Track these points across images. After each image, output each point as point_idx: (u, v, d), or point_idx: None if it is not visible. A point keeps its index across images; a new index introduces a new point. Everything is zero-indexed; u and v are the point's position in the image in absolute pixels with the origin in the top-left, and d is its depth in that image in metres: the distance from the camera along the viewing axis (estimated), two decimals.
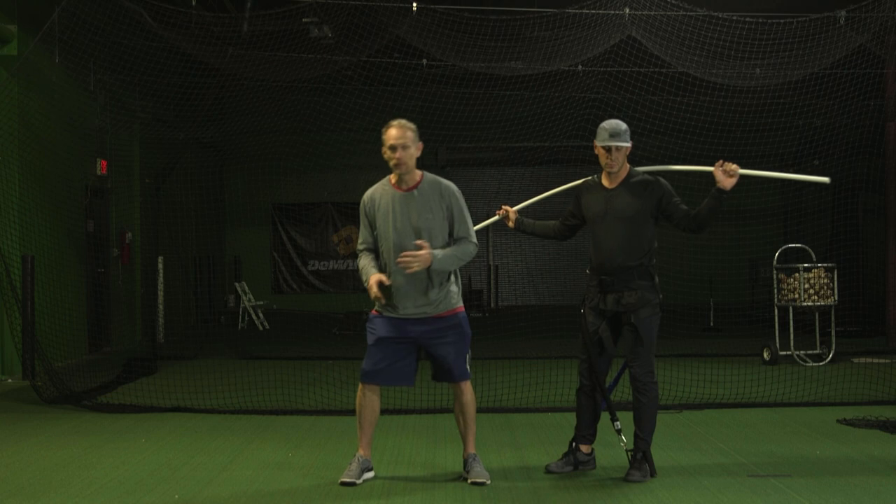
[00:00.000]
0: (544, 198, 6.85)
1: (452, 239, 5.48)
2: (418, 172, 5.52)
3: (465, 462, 5.58)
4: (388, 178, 5.58)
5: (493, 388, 8.66)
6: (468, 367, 5.55)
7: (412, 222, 5.40)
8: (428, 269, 5.33)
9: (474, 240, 5.51)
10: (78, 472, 5.84)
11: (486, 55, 10.78)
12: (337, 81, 12.73)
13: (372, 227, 5.54)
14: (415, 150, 5.44)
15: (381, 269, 5.47)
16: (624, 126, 5.64)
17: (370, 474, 5.62)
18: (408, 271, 5.29)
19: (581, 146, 12.04)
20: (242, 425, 7.45)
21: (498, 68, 11.19)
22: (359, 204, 5.67)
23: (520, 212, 6.26)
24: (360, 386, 5.58)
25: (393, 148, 5.40)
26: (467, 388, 5.55)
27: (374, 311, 5.57)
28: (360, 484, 5.49)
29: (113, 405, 8.30)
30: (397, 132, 5.42)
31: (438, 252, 5.34)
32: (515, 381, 8.92)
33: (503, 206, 6.23)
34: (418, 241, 5.32)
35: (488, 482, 5.44)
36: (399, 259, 5.29)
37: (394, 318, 5.48)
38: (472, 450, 5.59)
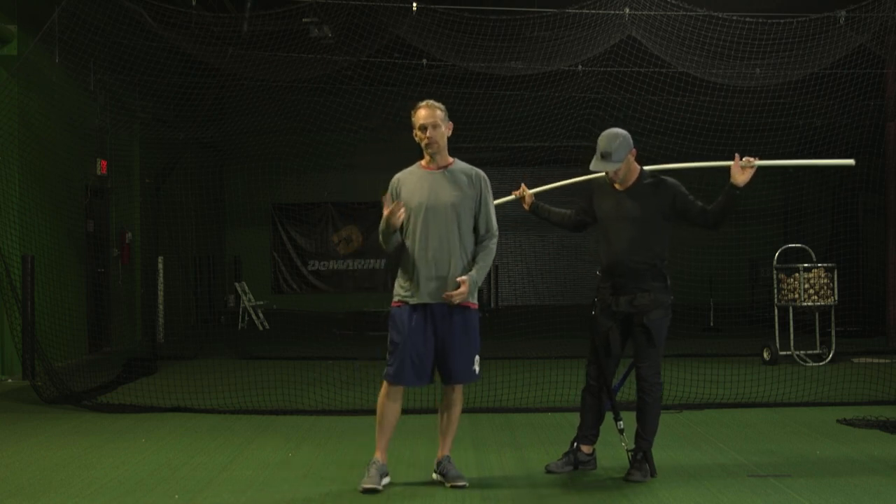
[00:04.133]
0: (563, 186, 6.80)
1: (476, 232, 5.39)
2: (450, 157, 5.51)
3: (440, 464, 5.50)
4: (418, 162, 5.54)
5: (493, 388, 8.65)
6: (476, 369, 5.40)
7: (442, 199, 5.33)
8: (450, 254, 5.27)
9: (496, 232, 5.46)
10: (78, 472, 5.84)
11: (486, 55, 10.78)
12: (337, 81, 12.71)
13: None
14: (445, 129, 5.42)
15: (403, 249, 5.37)
16: (617, 142, 5.46)
17: (387, 479, 5.42)
18: (454, 302, 5.24)
19: (581, 146, 12.03)
20: (242, 425, 7.44)
21: (498, 68, 11.19)
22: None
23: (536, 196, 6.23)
24: (383, 387, 5.38)
25: (423, 128, 5.36)
26: (460, 388, 5.47)
27: (394, 304, 5.39)
28: (381, 490, 5.29)
29: (113, 405, 8.31)
30: (426, 112, 5.38)
31: (473, 274, 5.29)
32: (515, 381, 8.91)
33: (522, 186, 6.21)
34: (459, 279, 5.25)
35: (467, 484, 5.37)
36: (444, 295, 5.23)
37: (415, 312, 5.30)
38: (447, 451, 5.51)
